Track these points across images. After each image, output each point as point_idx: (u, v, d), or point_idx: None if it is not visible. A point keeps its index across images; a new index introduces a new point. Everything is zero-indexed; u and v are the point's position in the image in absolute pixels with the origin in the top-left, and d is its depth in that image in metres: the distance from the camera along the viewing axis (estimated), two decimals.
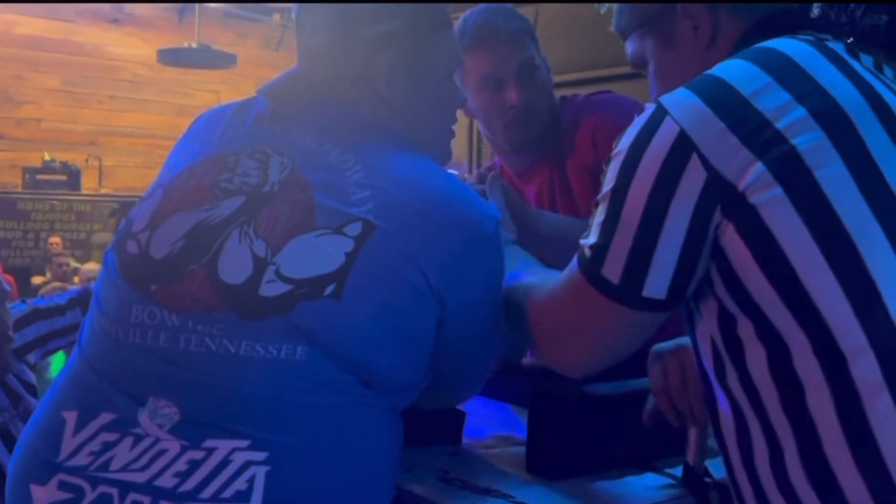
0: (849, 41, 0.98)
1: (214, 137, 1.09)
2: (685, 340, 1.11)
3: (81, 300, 1.42)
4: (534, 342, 1.03)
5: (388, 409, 1.01)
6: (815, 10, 1.07)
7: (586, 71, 5.41)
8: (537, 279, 1.07)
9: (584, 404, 1.25)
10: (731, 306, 0.87)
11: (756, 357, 0.85)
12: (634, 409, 1.24)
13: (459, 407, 1.38)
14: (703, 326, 0.93)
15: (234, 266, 0.95)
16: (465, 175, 1.58)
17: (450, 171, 1.17)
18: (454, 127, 1.23)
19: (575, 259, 0.96)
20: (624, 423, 1.26)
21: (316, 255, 0.95)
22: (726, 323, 0.88)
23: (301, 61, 1.14)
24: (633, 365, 1.24)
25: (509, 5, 1.68)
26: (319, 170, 1.01)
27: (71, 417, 0.94)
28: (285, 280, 0.94)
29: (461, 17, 1.64)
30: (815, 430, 0.81)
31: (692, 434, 1.17)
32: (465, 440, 1.41)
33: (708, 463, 1.17)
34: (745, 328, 0.86)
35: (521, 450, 1.31)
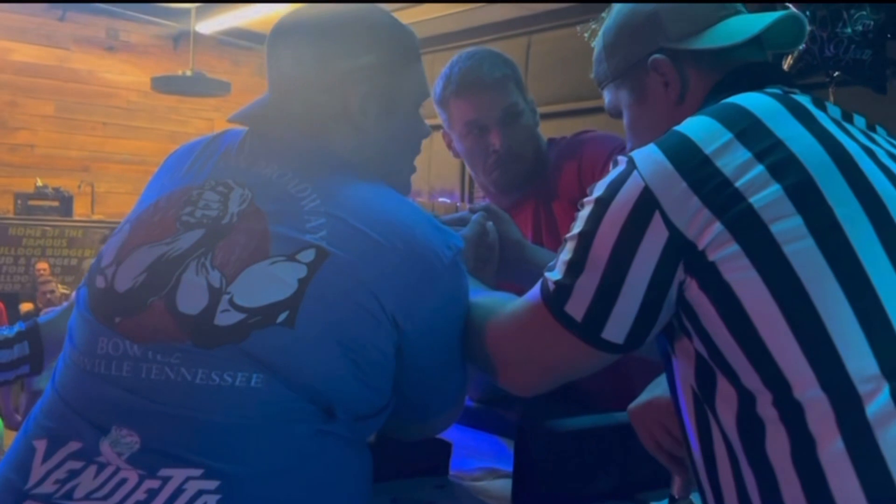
0: (827, 86, 1.00)
1: (182, 172, 1.12)
2: (654, 395, 1.13)
3: (30, 333, 1.41)
4: (486, 361, 1.06)
5: (351, 439, 1.01)
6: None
7: (577, 102, 5.46)
8: (494, 301, 1.10)
9: (570, 437, 1.25)
10: (707, 359, 0.89)
11: (727, 405, 0.87)
12: (621, 442, 1.24)
13: (446, 438, 1.38)
14: (682, 373, 0.94)
15: (191, 297, 0.96)
16: (458, 205, 1.60)
17: (442, 199, 1.18)
18: (416, 161, 1.26)
19: (538, 288, 0.98)
20: (610, 457, 1.26)
21: (269, 283, 0.96)
22: (702, 373, 0.90)
23: (273, 90, 1.16)
24: (617, 394, 1.25)
25: (496, 49, 1.70)
26: (277, 200, 1.03)
27: (41, 446, 0.95)
28: (239, 309, 0.95)
29: (448, 62, 1.66)
30: (773, 472, 0.82)
31: (676, 479, 1.17)
32: (451, 472, 1.40)
33: (694, 496, 1.17)
34: (720, 380, 0.88)
35: (508, 482, 1.30)
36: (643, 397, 1.17)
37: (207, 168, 1.10)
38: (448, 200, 6.81)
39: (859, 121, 0.99)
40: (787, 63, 3.15)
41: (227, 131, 1.16)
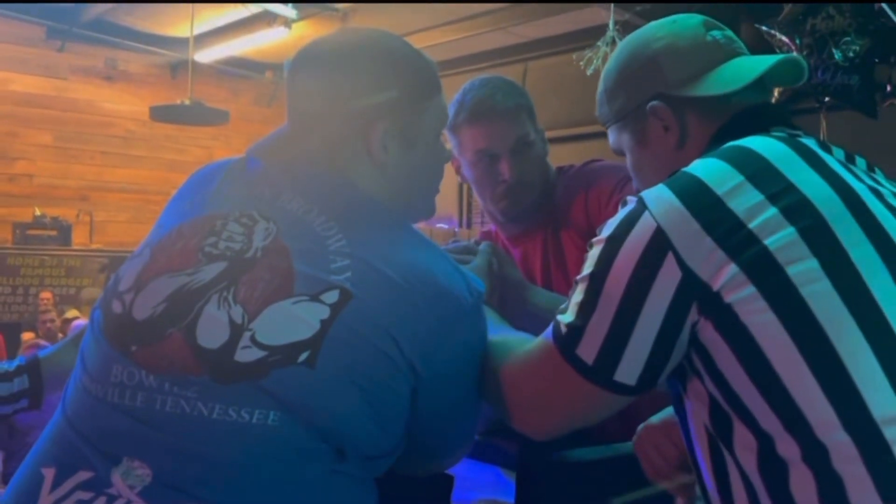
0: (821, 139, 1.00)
1: (206, 198, 1.10)
2: (649, 422, 1.12)
3: (30, 367, 1.41)
4: (500, 404, 1.05)
5: (361, 479, 1.00)
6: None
7: (573, 128, 5.48)
8: (509, 342, 1.08)
9: (571, 469, 1.25)
10: (721, 401, 0.88)
11: (746, 446, 0.87)
12: (622, 473, 1.23)
13: (447, 472, 1.37)
14: (695, 413, 0.94)
15: (211, 331, 0.95)
16: (456, 231, 1.60)
17: (440, 225, 1.18)
18: (440, 184, 1.24)
19: (550, 330, 0.98)
20: (611, 488, 1.25)
21: (292, 322, 0.95)
22: (717, 415, 0.90)
23: (292, 123, 1.15)
24: (621, 425, 1.25)
25: (509, 78, 1.70)
26: (302, 237, 1.02)
27: (49, 474, 0.94)
28: (260, 346, 0.94)
29: (461, 88, 1.66)
30: None
31: (679, 501, 1.16)
32: None
33: None
34: (736, 423, 0.87)
35: None
36: (641, 426, 1.17)
37: (232, 196, 1.08)
38: (446, 226, 6.81)
39: (861, 162, 1.00)
40: (777, 91, 3.18)
41: (251, 158, 1.14)
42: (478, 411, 1.13)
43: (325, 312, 0.95)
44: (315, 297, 0.96)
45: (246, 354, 0.94)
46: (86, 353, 1.04)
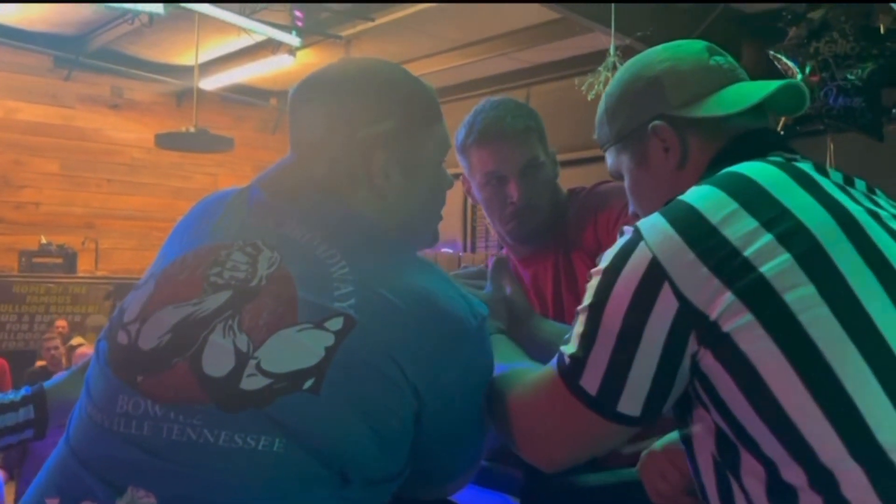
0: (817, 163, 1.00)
1: (210, 228, 1.11)
2: (675, 441, 1.12)
3: (36, 398, 1.41)
4: (509, 435, 1.04)
5: (366, 502, 1.00)
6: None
7: (576, 151, 5.50)
8: (517, 371, 1.08)
9: (576, 495, 1.24)
10: (726, 430, 0.88)
11: (752, 473, 0.86)
12: (626, 498, 1.22)
13: (450, 498, 1.36)
14: (701, 441, 0.93)
15: (217, 360, 0.96)
16: (460, 255, 1.60)
17: (445, 249, 1.19)
18: (442, 211, 1.26)
19: (555, 361, 0.97)
20: None
21: (296, 349, 0.96)
22: (723, 443, 0.89)
23: (295, 152, 1.16)
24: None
25: (520, 100, 1.71)
26: (305, 264, 1.03)
27: None
28: (265, 374, 0.94)
29: (473, 109, 1.67)
30: None
31: None
32: None
33: None
34: (742, 451, 0.87)
35: None
36: (645, 452, 1.17)
37: (236, 226, 1.09)
38: (451, 251, 6.82)
39: (860, 184, 0.99)
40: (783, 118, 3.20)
41: (253, 187, 1.15)
42: (483, 435, 1.12)
43: (329, 340, 0.96)
44: (319, 325, 0.97)
45: (251, 382, 0.94)
46: (91, 384, 1.04)
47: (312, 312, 0.98)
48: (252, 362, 0.95)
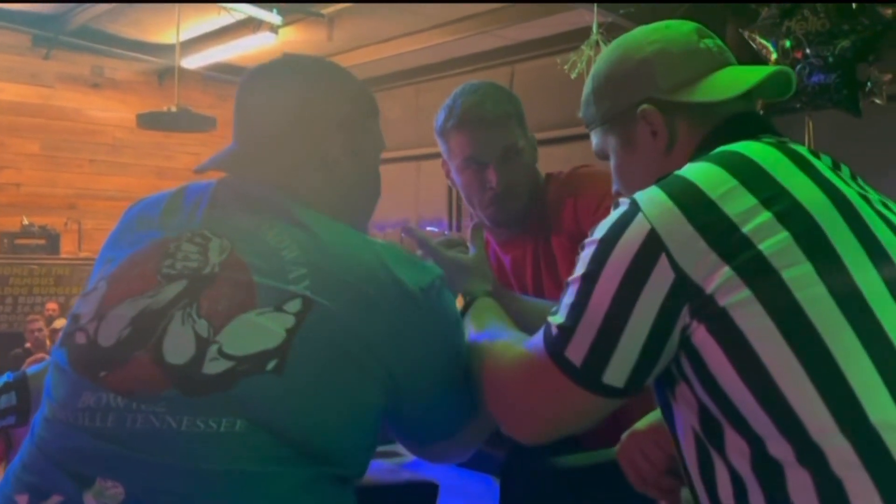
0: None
1: (153, 226, 1.12)
2: (635, 427, 1.12)
3: (18, 385, 1.41)
4: (491, 407, 1.04)
5: (336, 483, 1.01)
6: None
7: (560, 129, 5.49)
8: (500, 342, 1.08)
9: (556, 476, 1.25)
10: (711, 406, 0.88)
11: (737, 449, 0.87)
12: (607, 480, 1.23)
13: (432, 479, 1.37)
14: (683, 417, 0.94)
15: (177, 347, 0.97)
16: (445, 233, 1.62)
17: (430, 228, 1.21)
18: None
19: (541, 333, 0.97)
20: (596, 495, 1.25)
21: (257, 332, 0.97)
22: (706, 420, 0.89)
23: (241, 139, 1.19)
24: (609, 430, 1.25)
25: (500, 84, 1.70)
26: (257, 250, 1.04)
27: (23, 501, 0.95)
28: (227, 357, 0.95)
29: (452, 93, 1.67)
30: None
31: None
32: None
33: None
34: (726, 427, 0.87)
35: None
36: (625, 433, 1.17)
37: (179, 220, 1.10)
38: (436, 229, 6.82)
39: (845, 170, 1.00)
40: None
41: (191, 184, 1.18)
42: (467, 389, 1.12)
43: (289, 321, 0.97)
44: (278, 308, 0.98)
45: (214, 366, 0.95)
46: (52, 388, 1.05)
47: (270, 296, 0.99)
48: (213, 347, 0.96)
